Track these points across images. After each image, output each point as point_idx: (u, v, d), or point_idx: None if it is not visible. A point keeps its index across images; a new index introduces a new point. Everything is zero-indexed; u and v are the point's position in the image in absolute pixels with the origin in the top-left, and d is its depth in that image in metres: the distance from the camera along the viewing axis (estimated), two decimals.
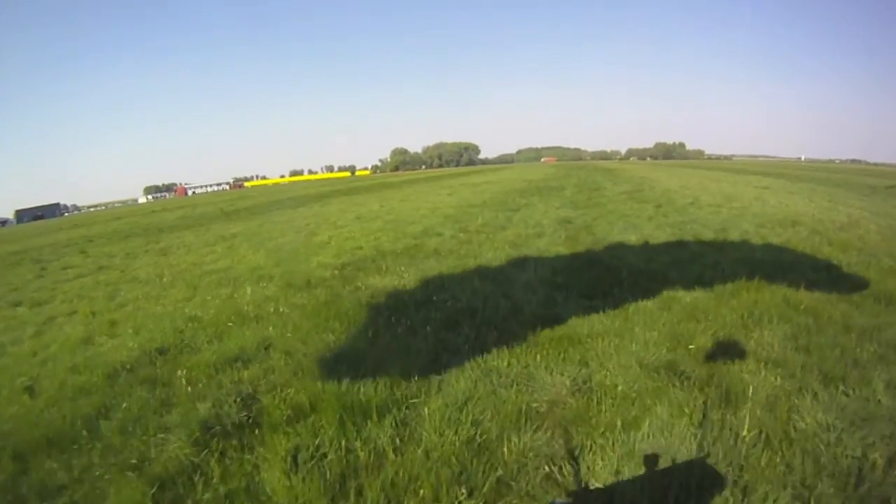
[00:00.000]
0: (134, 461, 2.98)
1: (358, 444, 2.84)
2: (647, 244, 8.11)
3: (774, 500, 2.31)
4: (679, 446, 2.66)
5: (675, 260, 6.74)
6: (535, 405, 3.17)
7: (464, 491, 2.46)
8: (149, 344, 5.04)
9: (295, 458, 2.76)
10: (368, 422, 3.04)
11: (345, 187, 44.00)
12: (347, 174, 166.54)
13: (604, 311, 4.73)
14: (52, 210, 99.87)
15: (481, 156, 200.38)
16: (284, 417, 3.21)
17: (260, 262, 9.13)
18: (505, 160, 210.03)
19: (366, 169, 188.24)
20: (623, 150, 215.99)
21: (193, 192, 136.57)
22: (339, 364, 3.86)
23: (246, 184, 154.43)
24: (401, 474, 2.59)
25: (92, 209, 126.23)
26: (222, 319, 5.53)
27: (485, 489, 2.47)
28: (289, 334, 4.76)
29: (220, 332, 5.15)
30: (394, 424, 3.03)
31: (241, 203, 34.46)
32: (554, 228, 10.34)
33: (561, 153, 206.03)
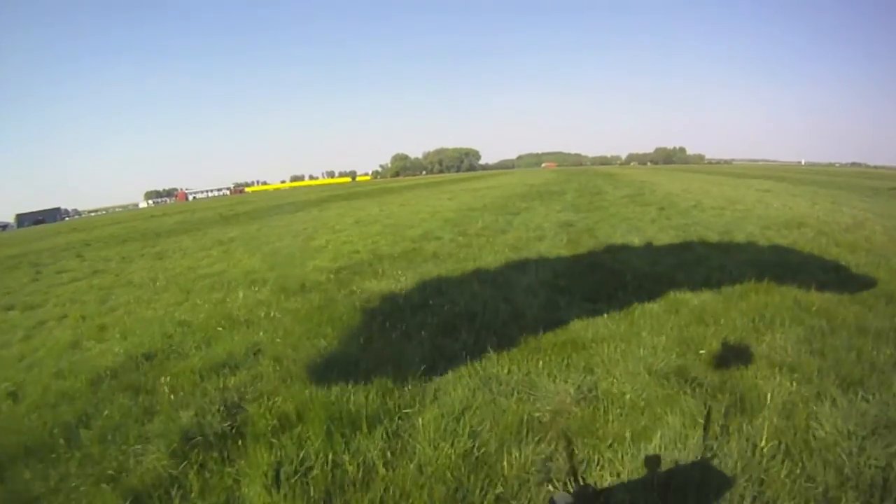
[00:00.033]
0: (111, 472, 2.82)
1: (346, 457, 2.63)
2: (651, 247, 7.93)
3: None
4: (696, 459, 2.46)
5: (681, 262, 6.55)
6: (537, 415, 2.96)
7: None
8: (136, 349, 4.87)
9: (277, 472, 2.55)
10: (358, 433, 2.84)
11: (345, 192, 43.96)
12: (348, 180, 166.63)
13: (609, 315, 4.53)
14: (53, 214, 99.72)
15: (482, 161, 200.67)
16: (269, 428, 3.01)
17: (255, 266, 8.97)
18: (505, 166, 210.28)
19: (366, 174, 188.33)
20: (623, 156, 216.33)
21: (194, 198, 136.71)
22: (330, 371, 3.65)
23: (247, 189, 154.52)
24: (391, 491, 2.39)
25: (93, 214, 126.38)
26: (212, 324, 5.36)
27: None
28: (279, 340, 4.57)
29: (208, 338, 4.97)
30: (385, 436, 2.83)
31: (241, 208, 34.40)
32: (555, 232, 10.16)
33: (561, 158, 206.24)
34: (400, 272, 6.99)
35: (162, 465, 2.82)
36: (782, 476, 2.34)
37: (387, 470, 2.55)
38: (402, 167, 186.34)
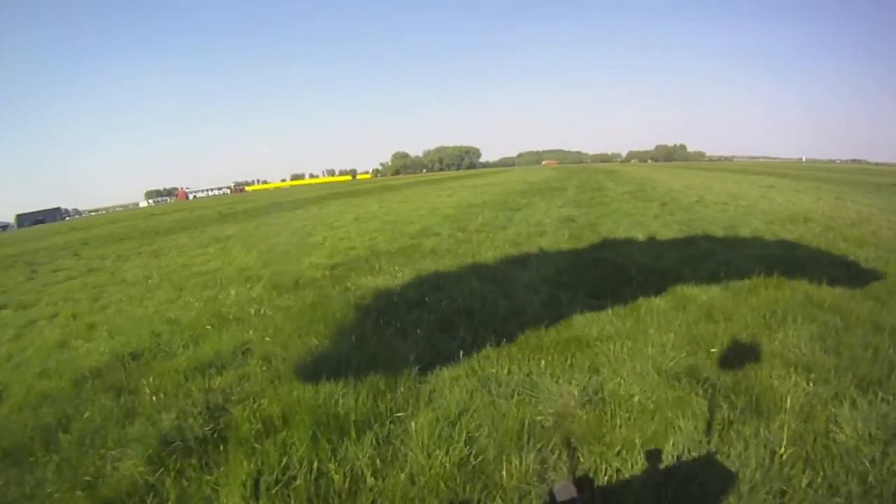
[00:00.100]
0: (88, 478, 2.69)
1: (332, 465, 2.44)
2: (655, 242, 7.74)
3: None
4: (710, 468, 2.27)
5: (686, 257, 6.36)
6: (539, 419, 2.76)
7: None
8: (122, 348, 4.73)
9: (257, 482, 2.36)
10: (345, 439, 2.64)
11: (345, 190, 43.80)
12: (349, 178, 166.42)
13: (613, 312, 4.34)
14: (53, 214, 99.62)
15: (482, 159, 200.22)
16: (253, 432, 2.82)
17: (250, 264, 8.81)
18: (506, 163, 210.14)
19: (367, 173, 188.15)
20: (624, 153, 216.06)
21: (194, 196, 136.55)
22: (320, 371, 3.44)
23: (247, 188, 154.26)
24: (379, 503, 2.21)
25: (93, 213, 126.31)
26: (202, 322, 5.18)
27: None
28: (268, 338, 4.38)
29: (196, 336, 4.80)
30: (375, 443, 2.63)
31: (240, 206, 34.27)
32: (557, 227, 9.99)
33: (562, 156, 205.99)
34: (397, 268, 6.81)
35: (139, 471, 2.66)
36: (804, 485, 2.17)
37: (375, 479, 2.35)
38: (403, 165, 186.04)
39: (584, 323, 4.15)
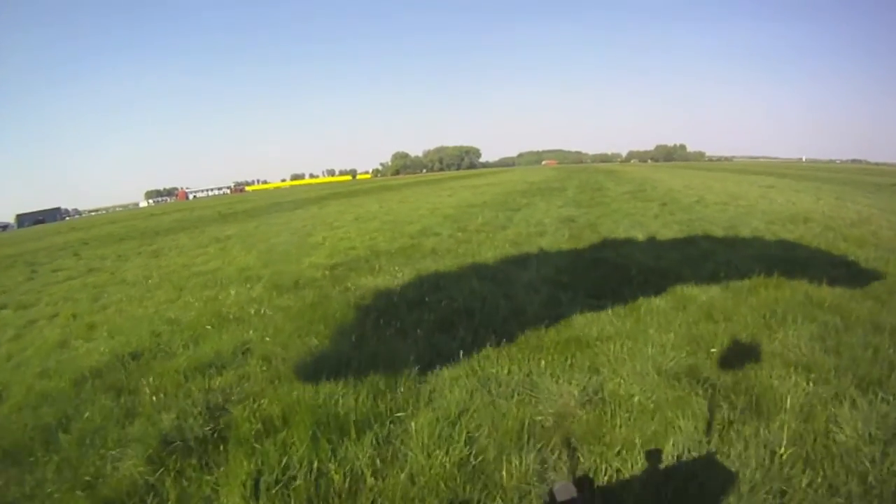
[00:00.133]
0: (88, 478, 2.68)
1: (332, 465, 2.43)
2: (655, 242, 7.74)
3: None
4: (710, 468, 2.26)
5: (686, 257, 6.36)
6: (539, 419, 2.76)
7: None
8: (122, 348, 4.72)
9: (257, 482, 2.36)
10: (345, 439, 2.63)
11: (345, 190, 43.77)
12: (349, 178, 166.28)
13: (613, 312, 4.34)
14: (53, 214, 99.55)
15: (482, 159, 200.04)
16: (253, 432, 2.82)
17: (250, 264, 8.80)
18: (506, 163, 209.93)
19: (367, 173, 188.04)
20: (624, 153, 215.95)
21: (195, 196, 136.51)
22: (320, 371, 3.44)
23: (247, 188, 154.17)
24: (379, 503, 2.20)
25: (93, 213, 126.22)
26: (202, 322, 5.18)
27: None
28: (268, 338, 4.38)
29: (196, 336, 4.80)
30: (375, 443, 2.62)
31: (240, 206, 34.25)
32: (557, 227, 9.98)
33: (562, 156, 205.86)
34: (397, 268, 6.80)
35: (139, 471, 2.66)
36: (804, 485, 2.16)
37: (375, 479, 2.35)
38: (403, 165, 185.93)
39: (584, 323, 4.15)
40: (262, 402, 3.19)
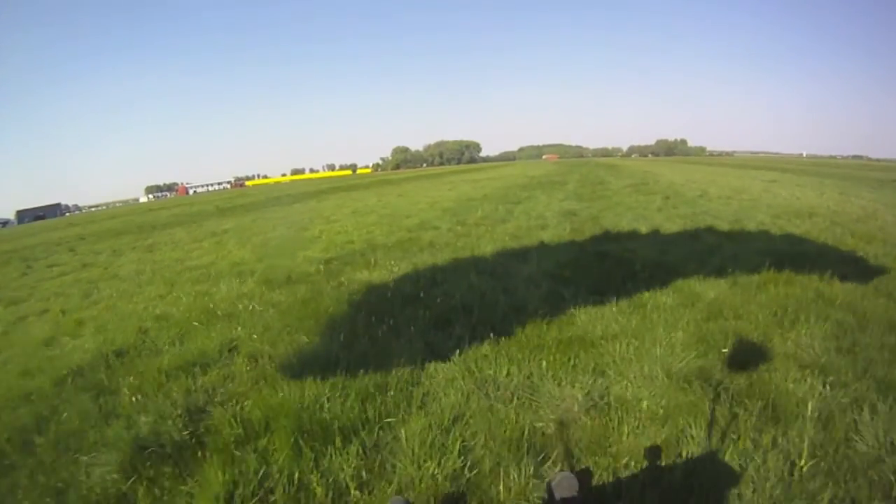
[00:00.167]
0: (60, 484, 2.54)
1: (313, 477, 2.24)
2: (659, 236, 7.56)
3: None
4: (726, 483, 2.07)
5: (692, 252, 6.16)
6: (539, 425, 2.56)
7: None
8: (107, 345, 4.58)
9: (232, 495, 2.17)
10: (330, 447, 2.43)
11: (345, 184, 43.53)
12: (349, 172, 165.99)
13: (618, 309, 4.14)
14: (54, 210, 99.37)
15: (482, 154, 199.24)
16: (233, 438, 2.64)
17: (244, 258, 8.66)
18: (507, 158, 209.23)
19: (367, 167, 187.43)
20: (625, 147, 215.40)
21: (195, 192, 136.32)
22: (306, 372, 3.24)
23: (247, 183, 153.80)
24: None
25: (93, 209, 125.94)
26: (190, 318, 5.01)
27: None
28: (256, 336, 4.20)
29: (184, 333, 4.64)
30: (361, 452, 2.42)
31: (239, 200, 34.08)
32: (558, 220, 9.79)
33: (563, 150, 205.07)
34: (393, 262, 6.62)
35: (111, 479, 2.50)
36: (826, 502, 1.98)
37: (361, 492, 2.16)
38: (403, 160, 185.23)
39: (587, 320, 3.95)
40: (245, 404, 3.02)
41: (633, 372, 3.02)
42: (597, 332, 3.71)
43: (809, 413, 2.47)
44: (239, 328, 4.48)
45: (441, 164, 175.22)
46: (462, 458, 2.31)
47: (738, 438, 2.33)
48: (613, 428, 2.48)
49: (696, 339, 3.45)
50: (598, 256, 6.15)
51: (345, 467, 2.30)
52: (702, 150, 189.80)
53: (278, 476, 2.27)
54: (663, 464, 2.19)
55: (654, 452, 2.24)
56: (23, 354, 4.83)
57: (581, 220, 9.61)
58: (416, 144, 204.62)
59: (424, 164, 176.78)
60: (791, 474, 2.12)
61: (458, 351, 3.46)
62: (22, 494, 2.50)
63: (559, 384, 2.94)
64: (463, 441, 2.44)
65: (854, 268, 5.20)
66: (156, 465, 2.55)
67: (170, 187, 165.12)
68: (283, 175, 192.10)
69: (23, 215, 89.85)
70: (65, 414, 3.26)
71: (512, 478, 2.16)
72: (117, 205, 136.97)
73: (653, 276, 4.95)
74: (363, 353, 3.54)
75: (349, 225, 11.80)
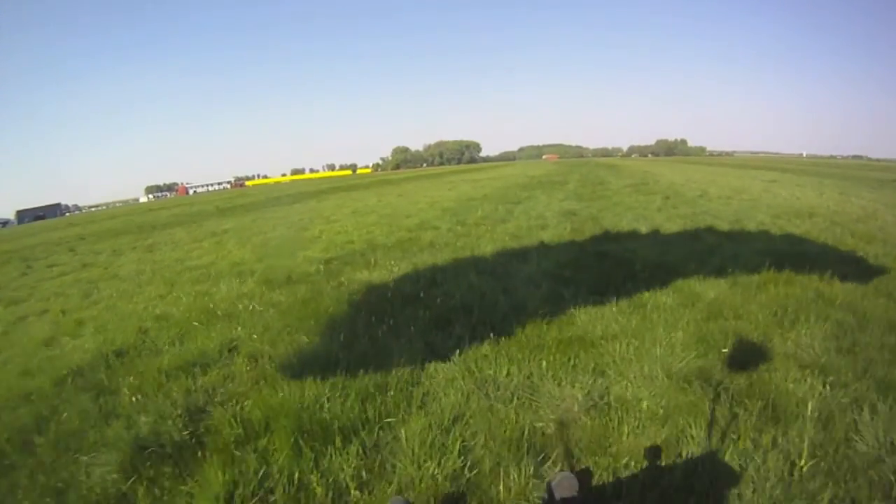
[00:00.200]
0: (60, 484, 2.54)
1: (313, 477, 2.23)
2: (660, 235, 7.55)
3: None
4: (726, 482, 2.06)
5: (692, 252, 6.15)
6: (539, 425, 2.55)
7: None
8: (108, 345, 4.58)
9: (232, 495, 2.17)
10: (330, 447, 2.42)
11: (345, 184, 43.50)
12: (349, 172, 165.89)
13: (618, 308, 4.13)
14: (54, 210, 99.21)
15: (482, 154, 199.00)
16: (233, 438, 2.64)
17: (244, 258, 8.65)
18: (507, 158, 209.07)
19: (367, 167, 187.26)
20: (625, 147, 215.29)
21: (195, 192, 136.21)
22: (306, 372, 3.24)
23: (247, 183, 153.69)
24: None
25: (93, 209, 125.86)
26: (190, 318, 5.01)
27: None
28: (256, 336, 4.20)
29: (184, 333, 4.64)
30: (361, 452, 2.41)
31: (239, 200, 34.04)
32: (558, 220, 9.78)
33: (563, 150, 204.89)
34: (393, 262, 6.62)
35: (111, 479, 2.50)
36: (826, 502, 1.98)
37: (361, 492, 2.16)
38: (403, 160, 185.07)
39: (587, 320, 3.94)
40: (245, 404, 3.02)
41: (633, 372, 3.01)
42: (597, 332, 3.70)
43: (809, 413, 2.47)
44: (239, 328, 4.48)
45: (441, 164, 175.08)
46: (462, 458, 2.31)
47: (738, 438, 2.33)
48: (613, 428, 2.47)
49: (696, 339, 3.44)
50: (599, 256, 6.14)
51: (345, 467, 2.29)
52: (702, 149, 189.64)
53: (278, 476, 2.26)
54: (663, 464, 2.19)
55: (654, 452, 2.24)
56: (23, 354, 4.82)
57: (581, 220, 9.60)
58: (416, 144, 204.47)
59: (424, 164, 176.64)
60: (791, 474, 2.12)
61: (458, 351, 3.45)
62: (22, 494, 2.50)
63: (559, 384, 2.93)
64: (463, 441, 2.43)
65: (854, 268, 5.19)
66: (156, 465, 2.55)
67: (170, 187, 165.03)
68: (283, 175, 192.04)
69: (23, 215, 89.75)
70: (65, 414, 3.26)
71: (512, 478, 2.16)
72: (117, 205, 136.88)
73: (653, 276, 4.94)
74: (363, 353, 3.53)
75: (349, 225, 11.78)
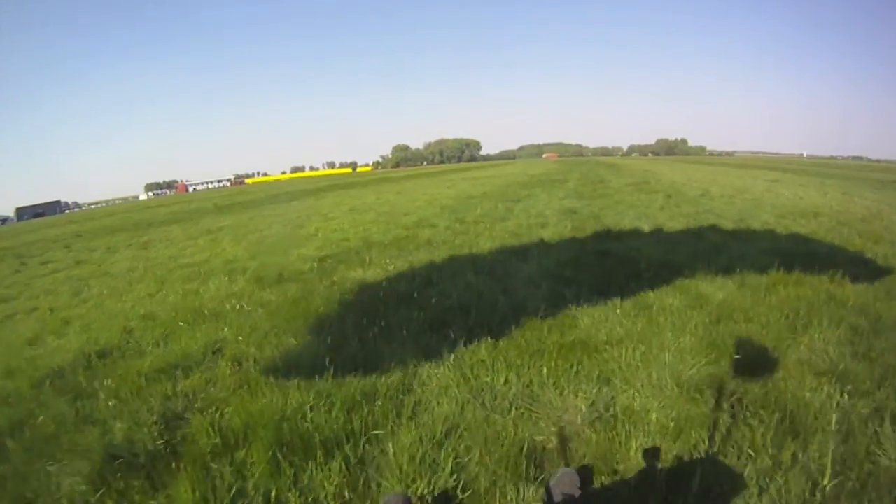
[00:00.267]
0: (30, 495, 2.37)
1: (291, 495, 2.04)
2: (663, 234, 7.37)
3: None
4: None
5: (697, 251, 5.95)
6: (540, 439, 2.35)
7: None
8: (91, 346, 4.41)
9: None
10: (310, 462, 2.22)
11: (344, 182, 43.30)
12: (349, 170, 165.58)
13: (622, 310, 3.93)
14: (53, 207, 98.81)
15: (483, 152, 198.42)
16: (209, 449, 2.45)
17: (237, 255, 8.49)
18: (507, 156, 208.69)
19: (367, 165, 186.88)
20: (625, 147, 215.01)
21: (194, 189, 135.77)
22: (291, 377, 3.04)
23: (247, 180, 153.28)
24: None
25: (93, 206, 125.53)
26: (177, 318, 4.83)
27: None
28: (242, 337, 4.01)
29: (169, 333, 4.46)
30: (344, 467, 2.21)
31: (238, 198, 33.87)
32: (559, 218, 9.59)
33: (563, 149, 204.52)
34: (389, 261, 6.44)
35: (80, 490, 2.33)
36: None
37: None
38: (403, 158, 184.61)
39: (590, 323, 3.74)
40: (225, 411, 2.83)
41: (641, 380, 2.81)
42: (601, 335, 3.49)
43: (833, 427, 2.28)
44: (225, 329, 4.29)
45: (441, 162, 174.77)
46: (455, 476, 2.11)
47: (757, 455, 2.13)
48: (621, 443, 2.26)
49: (705, 344, 3.24)
50: (601, 255, 5.95)
51: (326, 485, 2.10)
52: (702, 149, 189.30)
53: (253, 493, 2.08)
54: (675, 483, 1.99)
55: (665, 471, 2.04)
56: (6, 354, 4.65)
57: (582, 219, 9.41)
58: (417, 142, 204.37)
59: (425, 163, 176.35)
60: (814, 495, 1.94)
61: (452, 356, 3.25)
62: None
63: (561, 393, 2.74)
64: (456, 457, 2.23)
65: (864, 269, 5.02)
66: (126, 476, 2.36)
67: (169, 185, 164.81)
68: (284, 173, 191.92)
69: (22, 212, 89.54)
70: (41, 418, 3.08)
71: (510, 499, 1.97)
72: (117, 202, 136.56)
73: (657, 276, 4.75)
74: (352, 356, 3.34)
75: (346, 222, 11.61)
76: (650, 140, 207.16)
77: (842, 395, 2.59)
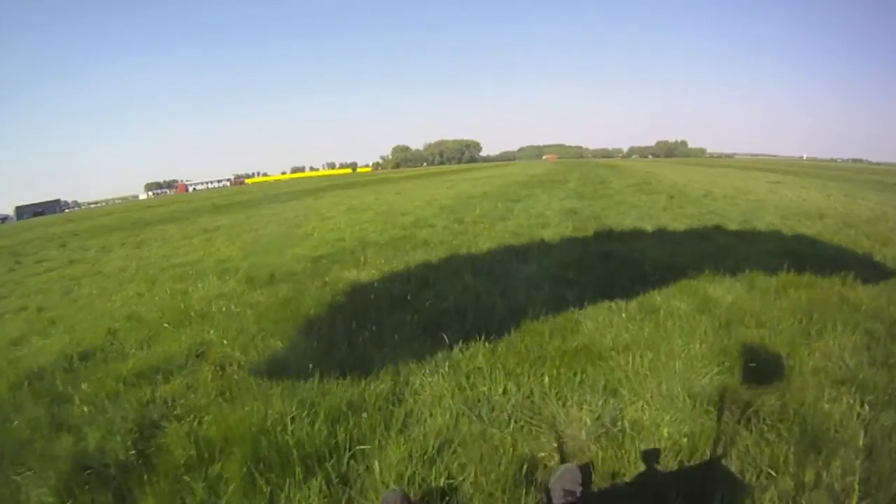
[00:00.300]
0: None
1: None
2: (666, 235, 7.20)
3: None
4: None
5: (703, 252, 5.77)
6: (541, 456, 2.15)
7: None
8: (73, 347, 4.25)
9: None
10: (289, 480, 2.03)
11: (343, 183, 43.15)
12: (349, 171, 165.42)
13: (627, 314, 3.74)
14: (53, 206, 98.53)
15: (483, 153, 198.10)
16: (184, 461, 2.27)
17: (231, 255, 8.33)
18: (507, 157, 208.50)
19: (367, 166, 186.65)
20: (625, 148, 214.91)
21: (194, 189, 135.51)
22: (275, 384, 2.87)
23: (247, 181, 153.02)
24: None
25: (93, 205, 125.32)
26: (164, 319, 4.65)
27: None
28: (227, 340, 3.82)
29: (153, 335, 4.28)
30: (325, 486, 2.01)
31: (237, 198, 33.75)
32: (560, 219, 9.41)
33: (563, 151, 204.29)
34: (384, 261, 6.25)
35: (47, 503, 2.19)
36: None
37: None
38: (403, 158, 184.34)
39: (594, 328, 3.53)
40: (204, 419, 2.65)
41: (650, 390, 2.60)
42: (605, 341, 3.28)
43: (861, 444, 2.09)
44: (211, 331, 4.11)
45: (441, 163, 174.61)
46: (447, 498, 1.92)
47: (778, 475, 1.95)
48: (630, 462, 2.07)
49: (717, 351, 3.04)
50: (603, 256, 5.76)
51: None
52: (702, 151, 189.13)
53: None
54: None
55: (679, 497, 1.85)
56: None
57: (583, 219, 9.24)
58: (417, 143, 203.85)
59: (425, 164, 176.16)
60: None
61: (448, 362, 3.05)
62: None
63: (564, 405, 2.53)
64: (449, 476, 2.04)
65: (874, 272, 4.85)
66: (94, 489, 2.20)
67: (169, 184, 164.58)
68: (284, 173, 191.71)
69: (22, 211, 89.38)
70: (16, 422, 2.94)
71: None
72: (116, 201, 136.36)
73: (663, 278, 4.55)
74: (340, 361, 3.14)
75: (343, 222, 11.44)
76: (650, 142, 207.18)
77: (862, 406, 2.42)
